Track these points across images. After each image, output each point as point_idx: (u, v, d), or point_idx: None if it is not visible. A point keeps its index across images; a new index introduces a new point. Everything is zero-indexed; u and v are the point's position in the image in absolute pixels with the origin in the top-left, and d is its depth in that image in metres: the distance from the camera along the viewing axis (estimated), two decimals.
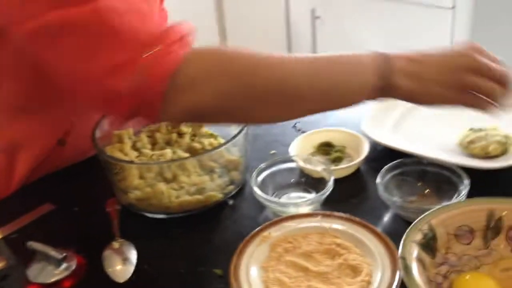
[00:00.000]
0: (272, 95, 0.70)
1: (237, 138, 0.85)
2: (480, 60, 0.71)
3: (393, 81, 0.70)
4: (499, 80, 0.71)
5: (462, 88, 0.71)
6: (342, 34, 2.35)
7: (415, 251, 0.65)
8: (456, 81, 0.71)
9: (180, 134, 0.95)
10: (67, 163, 0.97)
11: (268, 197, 0.82)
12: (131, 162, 0.84)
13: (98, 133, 0.86)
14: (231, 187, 0.87)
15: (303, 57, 0.72)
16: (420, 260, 0.64)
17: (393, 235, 0.71)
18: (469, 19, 1.93)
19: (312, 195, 0.83)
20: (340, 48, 2.31)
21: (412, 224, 0.68)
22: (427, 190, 0.81)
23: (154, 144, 0.94)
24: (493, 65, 0.71)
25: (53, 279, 0.71)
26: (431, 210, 0.69)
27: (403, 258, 0.62)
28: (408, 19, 2.11)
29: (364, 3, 2.21)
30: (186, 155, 0.90)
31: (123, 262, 0.74)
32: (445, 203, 0.74)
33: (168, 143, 0.94)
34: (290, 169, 0.88)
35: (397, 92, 0.71)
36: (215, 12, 2.81)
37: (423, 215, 0.69)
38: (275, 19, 2.57)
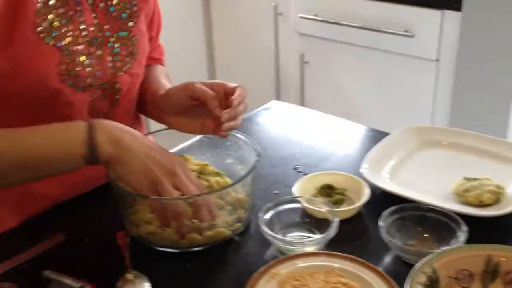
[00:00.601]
0: None
1: (246, 178, 0.89)
2: (179, 173, 0.83)
3: (99, 149, 0.81)
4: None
5: (152, 181, 0.81)
6: (330, 79, 2.43)
7: None
8: (151, 173, 0.81)
9: None
10: (73, 191, 1.00)
11: (276, 235, 0.85)
12: (145, 196, 0.87)
13: None
14: (239, 224, 0.90)
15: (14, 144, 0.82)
16: None
17: (395, 276, 0.75)
18: (452, 71, 2.02)
19: (317, 235, 0.87)
20: (327, 93, 2.39)
21: (416, 267, 0.73)
22: (426, 235, 0.85)
23: None
24: (188, 184, 0.84)
25: None
26: (433, 254, 0.74)
27: None
28: (394, 68, 2.19)
29: (352, 52, 2.29)
30: None
31: None
32: (445, 248, 0.79)
33: None
34: (294, 209, 0.92)
35: (105, 157, 0.81)
36: (206, 51, 2.88)
37: (426, 258, 0.73)
38: (264, 63, 2.65)
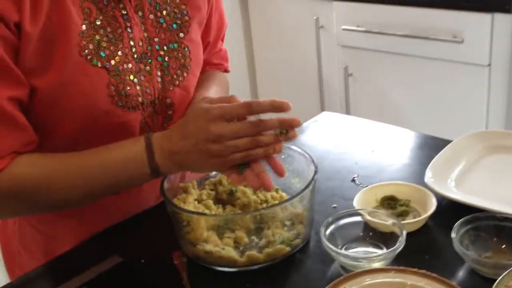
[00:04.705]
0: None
1: (304, 192, 0.85)
2: (213, 130, 0.79)
3: (161, 169, 0.83)
4: (240, 134, 0.79)
5: (213, 157, 0.80)
6: (376, 91, 2.38)
7: None
8: (205, 153, 0.80)
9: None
10: (128, 213, 0.98)
11: (340, 251, 0.81)
12: (203, 214, 0.84)
13: (166, 185, 0.87)
14: (298, 240, 0.86)
15: (81, 173, 0.84)
16: None
17: None
18: (506, 76, 1.94)
19: (383, 250, 0.82)
20: (373, 106, 2.31)
21: (498, 280, 0.67)
22: (503, 246, 0.79)
23: (216, 197, 0.94)
24: (225, 128, 0.79)
25: None
26: None
27: None
28: (444, 76, 2.12)
29: (398, 61, 2.24)
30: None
31: None
32: None
33: (230, 194, 0.94)
34: (356, 223, 0.87)
35: (169, 172, 0.85)
36: (247, 66, 2.87)
37: (508, 271, 0.68)
38: (308, 76, 2.62)
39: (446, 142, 1.08)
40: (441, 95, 2.17)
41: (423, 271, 0.74)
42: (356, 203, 0.92)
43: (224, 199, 0.93)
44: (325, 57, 2.52)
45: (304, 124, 1.32)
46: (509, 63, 1.91)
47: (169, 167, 0.83)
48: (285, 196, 0.95)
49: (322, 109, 2.61)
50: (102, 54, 0.84)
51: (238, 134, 0.79)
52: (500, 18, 1.90)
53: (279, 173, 0.83)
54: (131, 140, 0.84)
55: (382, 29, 2.22)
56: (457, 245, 0.77)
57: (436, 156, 1.00)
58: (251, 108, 0.80)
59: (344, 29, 2.35)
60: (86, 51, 0.83)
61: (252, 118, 0.82)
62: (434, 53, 2.10)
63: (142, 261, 0.88)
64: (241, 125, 0.79)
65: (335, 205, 0.97)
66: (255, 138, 0.80)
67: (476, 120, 2.08)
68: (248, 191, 0.93)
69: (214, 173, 0.97)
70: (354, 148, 1.18)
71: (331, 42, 2.45)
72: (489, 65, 1.98)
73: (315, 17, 2.46)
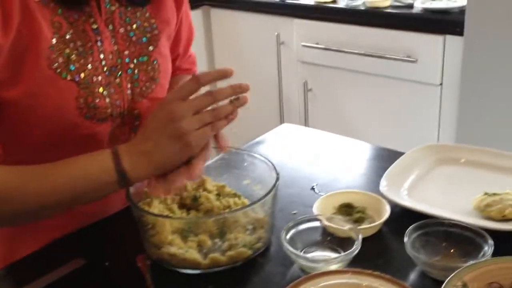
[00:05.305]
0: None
1: (266, 198, 0.88)
2: (175, 110, 0.80)
3: (129, 177, 0.82)
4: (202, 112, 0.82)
5: (184, 134, 0.80)
6: (334, 106, 2.45)
7: None
8: (175, 135, 0.80)
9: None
10: (94, 218, 0.99)
11: (299, 253, 0.84)
12: (168, 217, 0.87)
13: (132, 189, 0.89)
14: (259, 244, 0.89)
15: (49, 182, 0.82)
16: None
17: None
18: (456, 95, 2.04)
19: (340, 254, 0.86)
20: (331, 120, 2.37)
21: (446, 281, 0.72)
22: (451, 250, 0.84)
23: (180, 202, 0.96)
24: (184, 104, 0.81)
25: None
26: (463, 267, 0.73)
27: None
28: (398, 94, 2.21)
29: (355, 78, 2.31)
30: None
31: None
32: (472, 262, 0.78)
33: (194, 199, 0.96)
34: (315, 228, 0.91)
35: (137, 178, 0.83)
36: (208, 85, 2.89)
37: (455, 272, 0.73)
38: (268, 90, 2.67)
39: (399, 154, 1.14)
40: (395, 111, 2.25)
41: (378, 272, 0.78)
42: (315, 209, 0.96)
43: (188, 205, 0.96)
44: (285, 72, 2.58)
45: (264, 136, 1.36)
46: (459, 82, 2.01)
47: (138, 172, 0.82)
48: (247, 202, 0.98)
49: (282, 122, 2.66)
50: (72, 67, 0.86)
51: (196, 105, 0.81)
52: (452, 39, 2.00)
53: (222, 147, 0.89)
54: (99, 151, 0.84)
55: (340, 47, 2.30)
56: (409, 249, 0.82)
57: (390, 167, 1.05)
58: (199, 80, 0.84)
59: (304, 46, 2.42)
60: (56, 64, 0.84)
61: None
62: (389, 71, 2.19)
63: (106, 263, 0.89)
64: (197, 97, 0.82)
65: (295, 212, 1.01)
66: (215, 109, 0.83)
67: (428, 135, 2.17)
68: (211, 197, 0.96)
69: None
70: (314, 158, 1.23)
71: (291, 58, 2.51)
72: (441, 84, 2.08)
73: (276, 33, 2.52)
